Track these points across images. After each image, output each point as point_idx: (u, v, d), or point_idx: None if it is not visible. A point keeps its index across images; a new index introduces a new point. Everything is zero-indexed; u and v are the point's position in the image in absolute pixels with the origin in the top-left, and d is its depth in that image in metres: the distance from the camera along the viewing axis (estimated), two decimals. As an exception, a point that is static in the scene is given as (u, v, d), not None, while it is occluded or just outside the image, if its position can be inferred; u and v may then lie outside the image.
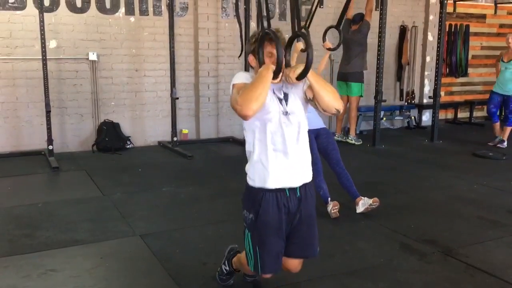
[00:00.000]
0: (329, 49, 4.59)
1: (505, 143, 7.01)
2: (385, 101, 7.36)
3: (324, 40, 4.71)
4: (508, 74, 6.86)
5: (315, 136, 4.20)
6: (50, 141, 5.98)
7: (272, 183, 2.39)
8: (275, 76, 2.28)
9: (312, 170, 4.04)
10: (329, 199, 4.11)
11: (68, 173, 5.61)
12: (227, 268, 2.90)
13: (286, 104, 2.40)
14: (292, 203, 2.44)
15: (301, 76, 2.29)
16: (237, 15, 6.33)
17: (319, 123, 4.29)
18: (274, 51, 2.31)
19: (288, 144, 2.39)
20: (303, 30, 4.14)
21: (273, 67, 2.27)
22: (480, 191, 4.95)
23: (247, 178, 2.48)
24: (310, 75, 2.30)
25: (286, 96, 2.41)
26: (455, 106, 9.42)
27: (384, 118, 8.36)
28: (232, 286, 2.94)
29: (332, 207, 4.04)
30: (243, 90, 2.28)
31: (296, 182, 2.45)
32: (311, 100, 2.43)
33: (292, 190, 2.44)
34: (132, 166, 5.91)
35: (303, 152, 2.48)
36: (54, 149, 6.04)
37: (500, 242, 3.68)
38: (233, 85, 2.40)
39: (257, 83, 2.25)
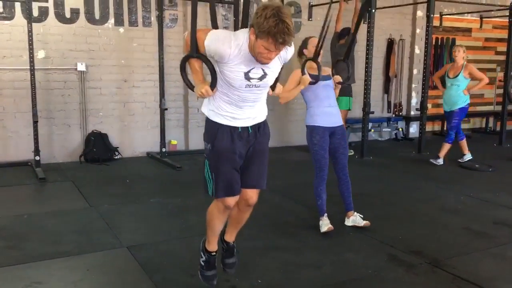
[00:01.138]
0: (339, 83, 4.21)
1: (441, 160, 6.68)
2: (373, 113, 7.41)
3: (333, 74, 4.32)
4: (454, 90, 6.49)
5: (330, 133, 4.01)
6: (37, 151, 5.93)
7: (224, 122, 2.65)
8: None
9: (317, 176, 4.05)
10: (326, 214, 4.06)
11: (55, 184, 5.56)
12: (203, 257, 2.95)
13: (261, 80, 2.57)
14: (245, 135, 2.68)
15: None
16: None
17: (338, 120, 4.07)
18: (273, 55, 2.42)
19: (244, 103, 2.63)
20: (313, 62, 3.96)
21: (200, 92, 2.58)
22: (467, 203, 4.99)
23: (207, 111, 2.71)
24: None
25: (264, 74, 2.57)
26: (442, 118, 9.51)
27: (372, 130, 8.43)
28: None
29: (327, 230, 3.96)
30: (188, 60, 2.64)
31: (248, 124, 2.69)
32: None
33: (244, 127, 2.68)
34: (120, 177, 5.87)
35: (258, 105, 2.71)
36: (41, 160, 5.98)
37: (487, 253, 3.70)
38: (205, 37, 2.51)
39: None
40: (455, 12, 9.11)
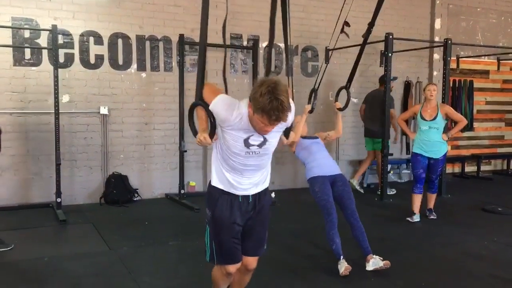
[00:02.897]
0: (339, 109, 4.75)
1: (434, 213, 5.96)
2: (391, 154, 7.40)
3: (336, 100, 4.89)
4: (434, 134, 5.72)
5: (331, 182, 4.19)
6: (58, 193, 6.02)
7: (225, 188, 2.71)
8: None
9: (327, 221, 4.08)
10: (342, 256, 4.02)
11: (75, 226, 5.60)
12: None
13: (261, 147, 2.61)
14: (245, 205, 2.74)
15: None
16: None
17: (336, 169, 4.29)
18: (269, 129, 2.46)
19: (246, 170, 2.67)
20: (313, 93, 4.32)
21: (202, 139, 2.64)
22: (491, 248, 4.87)
23: (213, 172, 2.78)
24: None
25: (264, 141, 2.61)
26: (462, 160, 9.43)
27: (391, 172, 8.37)
28: None
29: (344, 270, 3.93)
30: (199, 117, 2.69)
31: (249, 193, 2.73)
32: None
33: (245, 196, 2.73)
34: (139, 219, 5.89)
35: (260, 173, 2.75)
36: (62, 202, 6.05)
37: (514, 302, 3.59)
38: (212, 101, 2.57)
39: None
40: (472, 55, 9.16)
